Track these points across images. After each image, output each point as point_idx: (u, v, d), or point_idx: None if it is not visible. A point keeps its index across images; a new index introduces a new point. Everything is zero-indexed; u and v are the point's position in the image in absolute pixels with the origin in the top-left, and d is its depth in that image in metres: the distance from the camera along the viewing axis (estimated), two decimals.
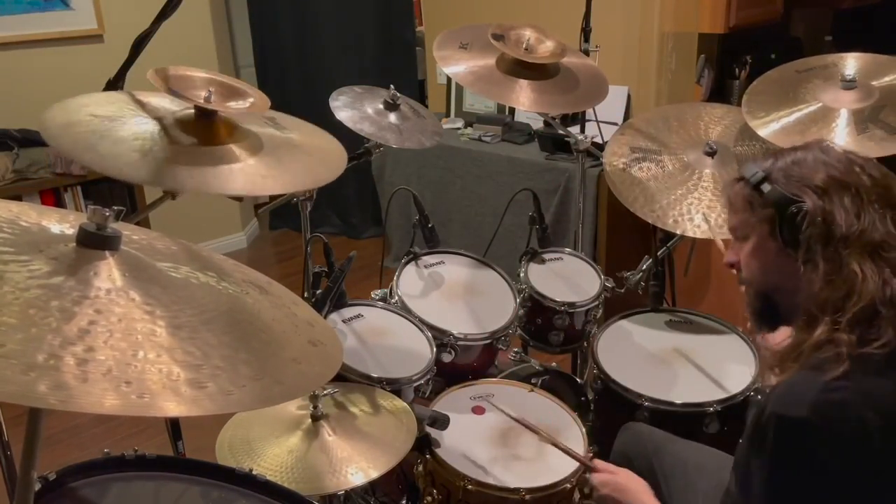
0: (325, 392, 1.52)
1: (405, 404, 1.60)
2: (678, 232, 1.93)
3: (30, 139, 3.39)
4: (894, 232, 1.07)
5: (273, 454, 1.41)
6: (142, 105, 1.39)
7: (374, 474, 1.40)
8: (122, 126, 1.30)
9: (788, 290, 1.15)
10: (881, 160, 1.16)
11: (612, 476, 1.44)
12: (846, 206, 1.07)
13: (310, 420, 1.48)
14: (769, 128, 1.84)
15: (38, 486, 0.92)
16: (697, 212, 1.92)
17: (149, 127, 1.32)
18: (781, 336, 1.45)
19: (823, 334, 1.05)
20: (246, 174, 1.32)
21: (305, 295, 1.84)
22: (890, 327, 1.02)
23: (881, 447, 1.02)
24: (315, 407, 1.48)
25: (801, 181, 1.10)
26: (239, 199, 2.11)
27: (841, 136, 1.78)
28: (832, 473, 1.02)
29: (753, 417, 1.11)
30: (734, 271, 1.26)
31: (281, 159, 1.40)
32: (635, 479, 1.41)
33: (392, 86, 2.03)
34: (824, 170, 1.10)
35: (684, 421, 1.70)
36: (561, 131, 2.42)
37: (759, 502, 1.06)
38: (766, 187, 1.14)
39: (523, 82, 1.99)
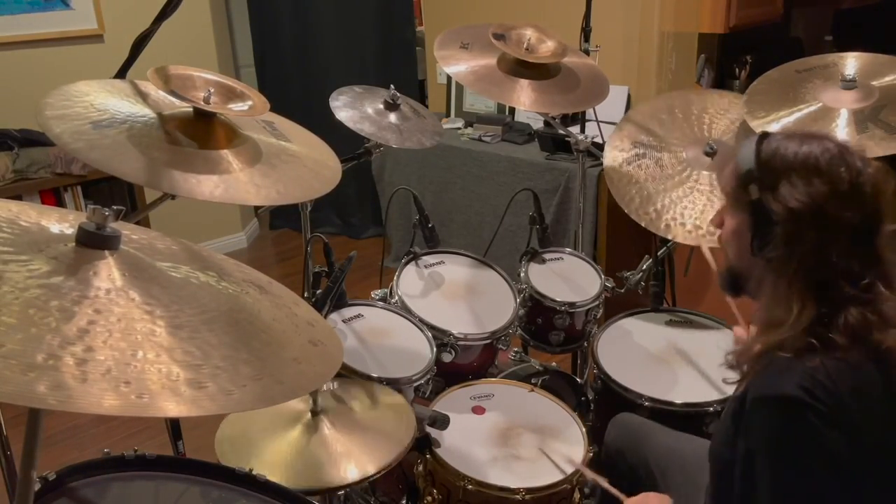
0: (324, 387, 1.52)
1: (402, 398, 1.61)
2: (670, 237, 1.93)
3: (30, 139, 3.39)
4: (856, 268, 1.07)
5: (272, 448, 1.41)
6: (143, 97, 1.39)
7: (373, 468, 1.40)
8: (121, 120, 1.30)
9: (753, 278, 1.18)
10: (881, 160, 1.16)
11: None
12: (811, 238, 1.07)
13: (309, 414, 1.48)
14: (769, 128, 1.84)
15: (38, 486, 0.92)
16: (690, 217, 1.93)
17: (148, 123, 1.32)
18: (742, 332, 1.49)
19: (778, 338, 1.08)
20: (241, 183, 1.31)
21: (305, 295, 1.84)
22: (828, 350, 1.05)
23: (858, 428, 1.05)
24: (314, 402, 1.49)
25: (785, 199, 1.08)
26: None
27: (841, 135, 1.78)
28: (826, 448, 1.04)
29: (729, 412, 1.14)
30: (717, 230, 1.27)
31: (276, 169, 1.40)
32: (662, 497, 1.40)
33: (392, 86, 2.03)
34: (807, 189, 1.07)
35: (684, 421, 1.70)
36: (561, 131, 2.42)
37: (767, 493, 1.07)
38: (752, 189, 1.13)
39: (524, 82, 1.99)
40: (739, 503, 1.10)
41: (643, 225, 1.95)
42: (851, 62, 1.93)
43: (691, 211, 1.93)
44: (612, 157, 2.08)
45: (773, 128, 1.83)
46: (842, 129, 1.79)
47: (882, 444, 1.08)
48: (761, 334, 1.13)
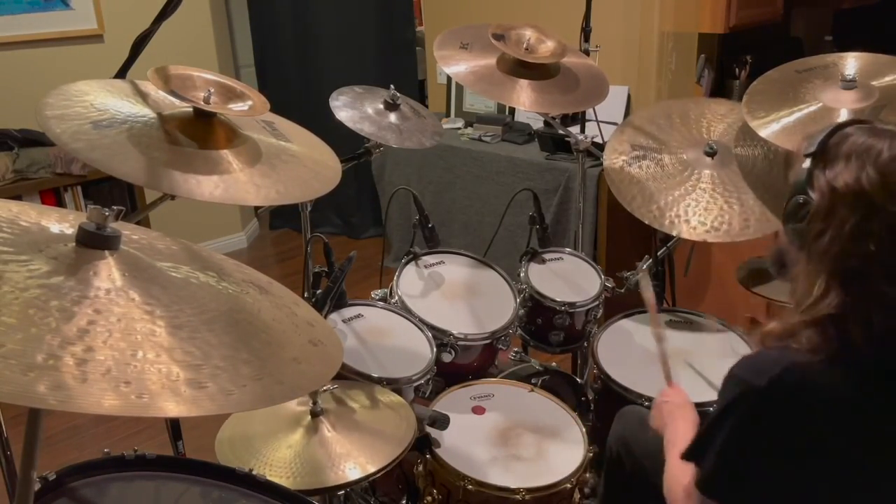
0: (324, 388, 1.52)
1: (402, 399, 1.61)
2: (674, 233, 1.93)
3: (30, 139, 3.39)
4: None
5: (273, 450, 1.41)
6: (143, 97, 1.39)
7: (373, 469, 1.40)
8: (121, 120, 1.30)
9: (790, 257, 1.19)
10: None
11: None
12: (850, 224, 1.04)
13: (309, 416, 1.48)
14: (769, 128, 1.83)
15: (38, 486, 0.92)
16: (694, 214, 1.93)
17: (148, 123, 1.32)
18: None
19: (790, 324, 1.09)
20: (241, 183, 1.31)
21: (305, 295, 1.84)
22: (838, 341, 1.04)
23: (820, 436, 1.06)
24: (314, 403, 1.49)
25: (832, 178, 1.07)
26: None
27: None
28: (773, 443, 1.07)
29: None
30: None
31: (276, 169, 1.39)
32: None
33: (392, 86, 2.03)
34: (858, 173, 1.05)
35: None
36: (561, 131, 2.42)
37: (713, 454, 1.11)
38: (804, 164, 1.11)
39: (524, 82, 1.99)
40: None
41: (646, 222, 1.95)
42: (851, 62, 1.92)
43: (695, 208, 1.94)
44: (612, 158, 2.08)
45: (773, 128, 1.83)
46: None
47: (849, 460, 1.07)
48: (786, 315, 1.12)
